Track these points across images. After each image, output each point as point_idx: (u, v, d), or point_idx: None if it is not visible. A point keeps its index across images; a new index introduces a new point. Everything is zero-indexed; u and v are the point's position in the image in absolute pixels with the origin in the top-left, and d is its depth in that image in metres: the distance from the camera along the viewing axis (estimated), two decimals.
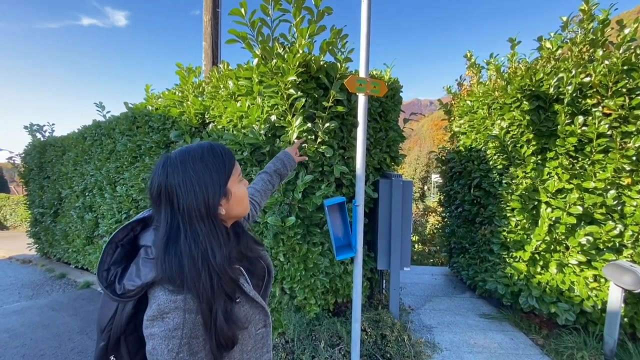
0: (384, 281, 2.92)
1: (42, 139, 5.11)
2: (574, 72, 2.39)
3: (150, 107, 3.21)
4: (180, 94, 2.95)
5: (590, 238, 2.33)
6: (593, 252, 2.36)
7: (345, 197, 2.07)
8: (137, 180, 3.26)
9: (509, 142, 2.83)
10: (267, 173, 1.35)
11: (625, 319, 2.30)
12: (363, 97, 1.84)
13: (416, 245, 5.95)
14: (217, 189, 0.77)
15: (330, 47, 2.08)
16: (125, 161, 3.50)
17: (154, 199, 0.77)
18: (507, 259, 2.85)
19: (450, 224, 3.79)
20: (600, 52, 2.32)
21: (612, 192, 2.28)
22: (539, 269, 2.64)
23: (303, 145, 2.14)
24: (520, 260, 2.76)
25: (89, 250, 4.12)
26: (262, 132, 2.17)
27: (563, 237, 2.48)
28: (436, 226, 5.14)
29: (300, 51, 2.04)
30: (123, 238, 0.79)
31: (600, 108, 2.34)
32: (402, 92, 2.80)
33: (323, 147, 2.17)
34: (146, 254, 0.76)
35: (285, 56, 2.02)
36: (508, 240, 2.83)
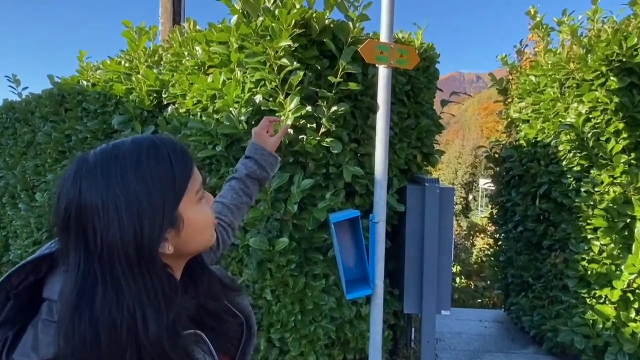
0: (413, 330, 2.91)
1: None
2: None
3: (84, 82, 3.22)
4: (127, 64, 2.95)
5: None
6: None
7: (359, 211, 2.06)
8: None
9: (589, 134, 2.84)
10: (238, 179, 1.33)
11: None
12: (385, 70, 1.84)
13: (458, 279, 5.94)
14: (159, 216, 0.69)
15: (339, 0, 2.09)
16: (49, 157, 3.51)
17: (60, 226, 0.69)
18: (587, 300, 2.84)
19: (507, 249, 3.79)
20: None
21: None
22: (633, 314, 2.63)
23: (294, 136, 2.13)
24: (607, 302, 2.75)
25: None
26: (242, 118, 2.17)
27: None
28: (486, 252, 5.13)
29: (297, 5, 2.05)
30: (18, 284, 0.72)
31: None
32: (439, 62, 2.81)
33: (328, 139, 2.17)
34: (49, 314, 0.69)
35: (277, 12, 2.03)
36: (589, 272, 2.83)
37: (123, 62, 2.99)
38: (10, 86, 3.96)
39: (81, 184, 0.68)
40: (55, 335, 0.67)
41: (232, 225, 1.26)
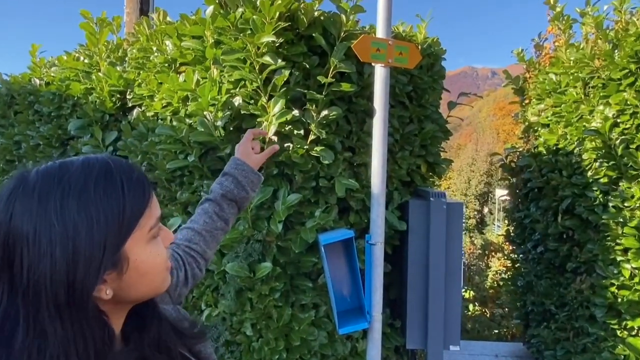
0: None
1: None
2: None
3: (37, 81, 3.20)
4: (86, 61, 2.94)
5: None
6: None
7: (353, 231, 2.05)
8: None
9: (617, 141, 2.84)
10: (212, 201, 1.32)
11: None
12: (382, 69, 1.84)
13: (471, 307, 5.92)
14: (98, 255, 0.68)
15: None
16: None
17: None
18: (618, 332, 2.82)
19: (526, 272, 3.78)
20: None
21: None
22: None
23: (279, 144, 2.11)
24: None
25: None
26: (218, 123, 2.16)
27: None
28: (503, 275, 5.10)
29: None
30: None
31: None
32: (445, 59, 2.81)
33: (318, 148, 2.16)
34: None
35: (258, 3, 2.03)
36: (619, 300, 2.81)
37: (82, 58, 2.97)
38: None
39: (14, 206, 0.67)
40: None
41: (205, 256, 1.25)
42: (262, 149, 1.63)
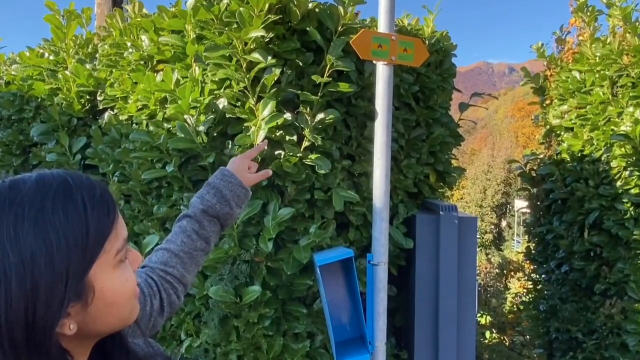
0: None
1: None
2: None
3: None
4: (52, 57, 2.96)
5: None
6: None
7: (353, 249, 2.07)
8: None
9: None
10: (191, 217, 1.31)
11: None
12: (385, 67, 1.85)
13: (487, 334, 5.91)
14: (61, 286, 0.67)
15: None
16: None
17: None
18: None
19: (549, 294, 3.77)
20: None
21: None
22: None
23: (268, 152, 2.12)
24: None
25: None
26: (201, 128, 2.18)
27: None
28: (523, 298, 5.09)
29: None
30: None
31: None
32: (455, 55, 2.84)
33: (313, 155, 2.17)
34: None
35: None
36: None
37: (46, 55, 2.99)
38: None
39: None
40: None
41: (183, 280, 1.24)
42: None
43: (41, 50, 3.04)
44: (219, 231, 1.36)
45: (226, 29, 2.10)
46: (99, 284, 0.71)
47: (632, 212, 2.97)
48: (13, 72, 3.14)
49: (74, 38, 2.88)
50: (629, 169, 3.01)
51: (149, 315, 1.12)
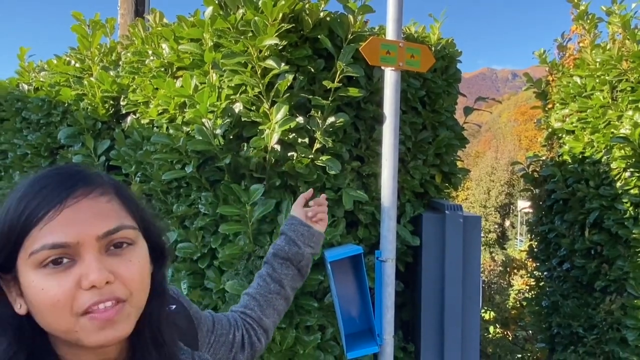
0: None
1: None
2: None
3: (25, 86, 3.23)
4: (78, 65, 2.97)
5: None
6: None
7: (362, 246, 2.05)
8: None
9: None
10: (265, 263, 1.32)
11: None
12: (393, 73, 1.87)
13: (491, 329, 5.87)
14: None
15: None
16: None
17: None
18: None
19: (551, 291, 3.76)
20: None
21: None
22: None
23: (282, 153, 2.14)
24: None
25: None
26: (218, 131, 2.18)
27: None
28: (526, 294, 5.08)
29: None
30: None
31: None
32: (460, 61, 2.84)
33: (324, 157, 2.17)
34: None
35: (260, 3, 2.05)
36: None
37: (73, 62, 2.99)
38: None
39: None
40: None
41: (262, 324, 1.21)
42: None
43: (68, 58, 3.05)
44: (296, 275, 1.34)
45: (242, 37, 2.11)
46: (23, 278, 0.71)
47: (632, 211, 2.96)
48: (42, 79, 3.15)
49: (98, 46, 2.90)
50: (628, 170, 3.00)
51: (230, 345, 1.11)
